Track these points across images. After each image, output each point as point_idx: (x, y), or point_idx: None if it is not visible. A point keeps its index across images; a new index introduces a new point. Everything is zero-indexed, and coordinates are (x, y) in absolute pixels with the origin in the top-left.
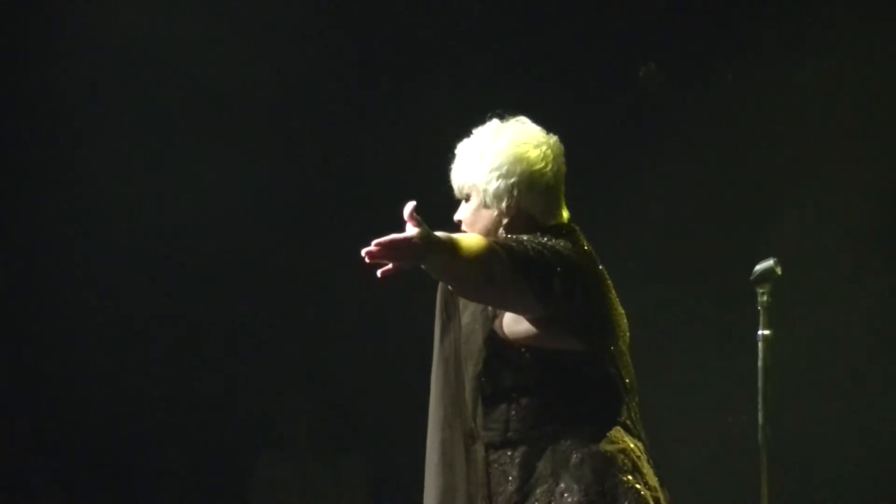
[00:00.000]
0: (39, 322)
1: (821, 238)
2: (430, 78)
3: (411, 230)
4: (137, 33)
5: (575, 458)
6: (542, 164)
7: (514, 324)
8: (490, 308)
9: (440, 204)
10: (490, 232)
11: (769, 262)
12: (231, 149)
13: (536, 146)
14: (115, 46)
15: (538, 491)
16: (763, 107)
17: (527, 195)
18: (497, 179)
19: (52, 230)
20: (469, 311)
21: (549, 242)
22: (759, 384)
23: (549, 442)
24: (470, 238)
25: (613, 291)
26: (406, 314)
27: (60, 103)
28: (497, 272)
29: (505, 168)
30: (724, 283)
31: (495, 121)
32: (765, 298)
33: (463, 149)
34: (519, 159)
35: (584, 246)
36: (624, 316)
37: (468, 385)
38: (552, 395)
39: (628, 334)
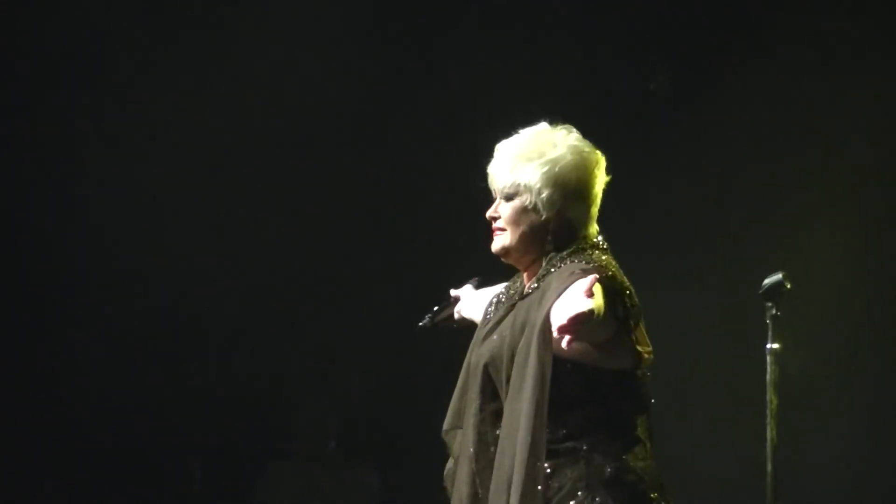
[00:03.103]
0: (46, 323)
1: (829, 251)
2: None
3: (587, 302)
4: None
5: (609, 472)
6: (593, 177)
7: None
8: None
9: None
10: (532, 235)
11: (778, 276)
12: (252, 157)
13: (590, 158)
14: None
15: (572, 502)
16: (773, 118)
17: (576, 205)
18: (553, 186)
19: (58, 230)
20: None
21: (606, 258)
22: (768, 397)
23: (583, 455)
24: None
25: None
26: (409, 319)
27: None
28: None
29: (563, 176)
30: (733, 296)
31: (545, 124)
32: (773, 312)
33: (511, 148)
34: (577, 169)
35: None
36: None
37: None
38: (590, 410)
39: None
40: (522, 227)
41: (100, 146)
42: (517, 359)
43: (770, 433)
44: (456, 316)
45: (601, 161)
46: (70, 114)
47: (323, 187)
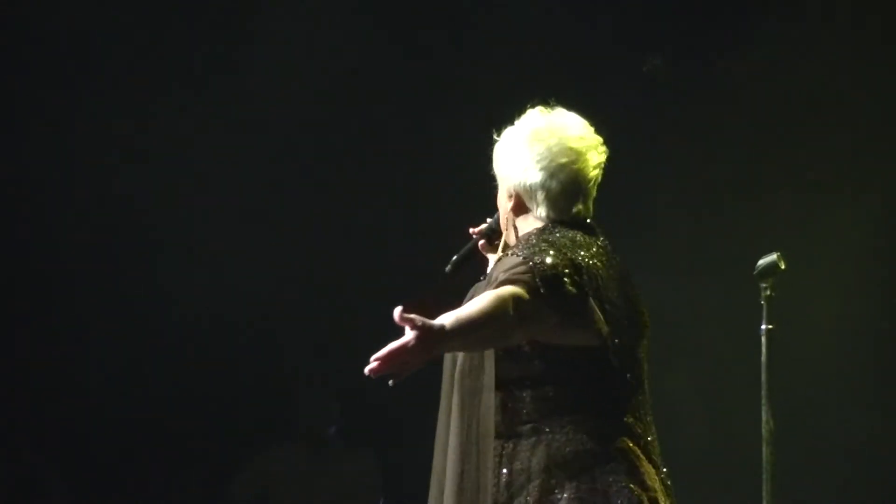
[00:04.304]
0: (44, 318)
1: (825, 232)
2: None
3: (409, 333)
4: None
5: (569, 454)
6: (545, 160)
7: None
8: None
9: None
10: (505, 217)
11: (772, 257)
12: (253, 157)
13: (542, 141)
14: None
15: (531, 486)
16: (769, 102)
17: (525, 188)
18: (502, 167)
19: (57, 227)
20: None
21: (551, 239)
22: (763, 378)
23: (545, 436)
24: (481, 300)
25: (629, 285)
26: (421, 310)
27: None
28: (526, 313)
29: (507, 157)
30: (728, 277)
31: (537, 109)
32: (768, 293)
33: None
34: (522, 150)
35: (591, 239)
36: (638, 310)
37: None
38: (550, 390)
39: (644, 329)
40: (500, 210)
41: (102, 144)
42: None
43: (765, 414)
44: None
45: (571, 142)
46: (72, 112)
47: (323, 184)
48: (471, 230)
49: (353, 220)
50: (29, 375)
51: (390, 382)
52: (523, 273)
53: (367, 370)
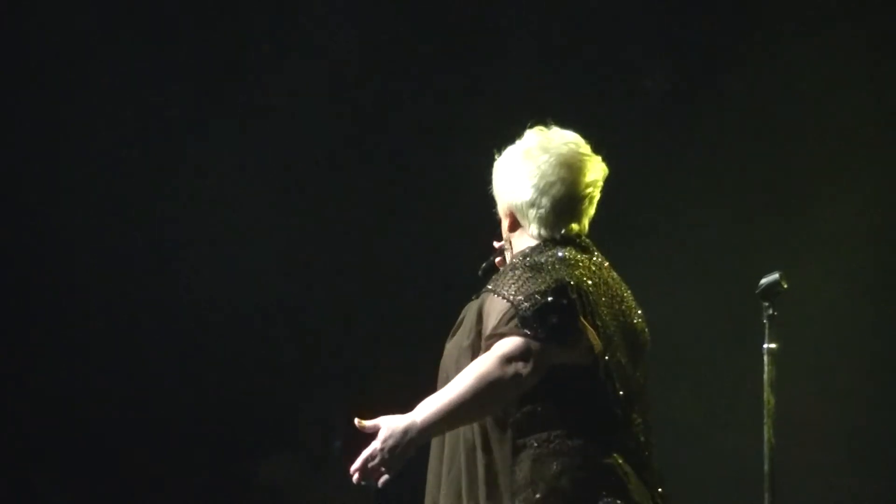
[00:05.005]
0: (43, 321)
1: (827, 251)
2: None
3: (376, 440)
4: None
5: (555, 469)
6: (534, 178)
7: None
8: (481, 322)
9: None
10: (505, 237)
11: (775, 276)
12: (256, 160)
13: (533, 159)
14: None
15: (516, 500)
16: (771, 114)
17: (518, 206)
18: (498, 185)
19: (55, 231)
20: (466, 325)
21: (540, 260)
22: (765, 397)
23: (534, 451)
24: (463, 379)
25: (625, 303)
26: (420, 319)
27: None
28: (527, 362)
29: (502, 175)
30: (730, 296)
31: (535, 129)
32: (770, 312)
33: None
34: (515, 169)
35: (581, 257)
36: (636, 328)
37: None
38: (539, 406)
39: (643, 347)
40: (502, 230)
41: (103, 146)
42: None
43: (767, 433)
44: None
45: (560, 159)
46: (75, 113)
47: (330, 191)
48: (495, 244)
49: (363, 227)
50: (29, 383)
51: (379, 484)
52: (510, 321)
53: (354, 481)
